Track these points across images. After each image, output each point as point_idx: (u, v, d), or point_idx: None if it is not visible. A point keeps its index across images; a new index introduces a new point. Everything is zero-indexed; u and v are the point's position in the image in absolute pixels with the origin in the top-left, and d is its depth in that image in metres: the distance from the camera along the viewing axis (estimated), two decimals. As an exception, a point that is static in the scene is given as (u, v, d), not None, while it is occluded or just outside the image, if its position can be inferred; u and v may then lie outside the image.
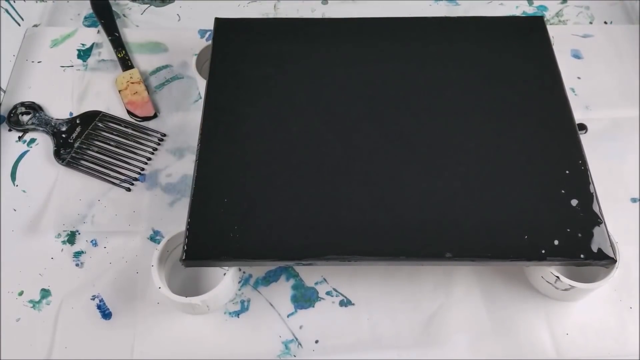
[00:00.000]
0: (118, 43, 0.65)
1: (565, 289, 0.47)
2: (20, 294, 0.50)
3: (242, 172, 0.49)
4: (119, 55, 0.64)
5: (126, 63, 0.64)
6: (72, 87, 0.63)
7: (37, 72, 0.64)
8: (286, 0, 0.71)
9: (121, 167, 0.57)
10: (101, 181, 0.56)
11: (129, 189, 0.56)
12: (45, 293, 0.50)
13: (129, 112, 0.60)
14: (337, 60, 0.56)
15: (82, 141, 0.58)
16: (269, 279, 0.51)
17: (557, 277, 0.46)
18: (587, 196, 0.47)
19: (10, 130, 0.60)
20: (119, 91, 0.62)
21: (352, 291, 0.50)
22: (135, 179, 0.56)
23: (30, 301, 0.50)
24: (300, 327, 0.49)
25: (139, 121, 0.60)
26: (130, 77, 0.62)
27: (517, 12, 0.71)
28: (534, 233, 0.46)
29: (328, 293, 0.50)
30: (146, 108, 0.61)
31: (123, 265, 0.51)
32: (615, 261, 0.46)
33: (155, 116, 0.61)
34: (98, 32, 0.67)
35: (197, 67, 0.59)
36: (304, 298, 0.50)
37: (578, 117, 0.54)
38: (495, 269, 0.51)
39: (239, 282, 0.51)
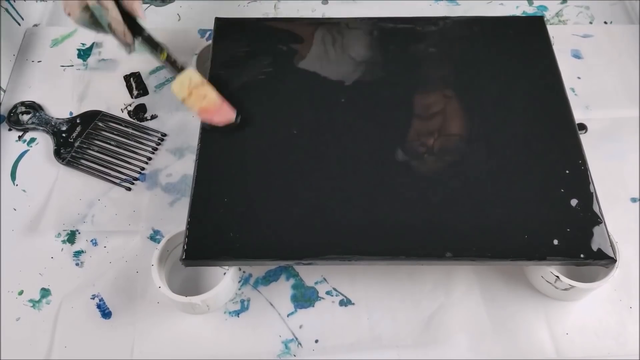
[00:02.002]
0: (151, 42, 0.53)
1: (565, 289, 0.47)
2: (20, 293, 0.50)
3: (242, 172, 0.49)
4: (162, 57, 0.52)
5: (175, 65, 0.52)
6: (72, 87, 0.63)
7: (37, 72, 0.64)
8: (286, 0, 0.71)
9: (121, 166, 0.57)
10: (101, 181, 0.56)
11: (129, 189, 0.56)
12: (45, 292, 0.50)
13: (206, 124, 0.51)
14: (337, 60, 0.56)
15: (82, 141, 0.58)
16: (269, 279, 0.51)
17: (557, 276, 0.46)
18: (587, 196, 0.47)
19: (10, 129, 0.60)
20: (182, 101, 0.51)
21: (352, 291, 0.50)
22: (136, 179, 0.56)
23: (30, 301, 0.50)
24: (300, 327, 0.49)
25: (217, 128, 0.51)
26: (190, 80, 0.51)
27: (517, 12, 0.71)
28: (534, 233, 0.46)
29: (328, 293, 0.50)
30: (224, 112, 0.51)
31: (123, 264, 0.51)
32: (615, 261, 0.46)
33: (238, 119, 0.51)
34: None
35: (197, 67, 0.60)
36: (304, 298, 0.50)
37: (578, 117, 0.54)
38: (495, 269, 0.51)
39: (239, 282, 0.51)
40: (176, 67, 0.52)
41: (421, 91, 0.54)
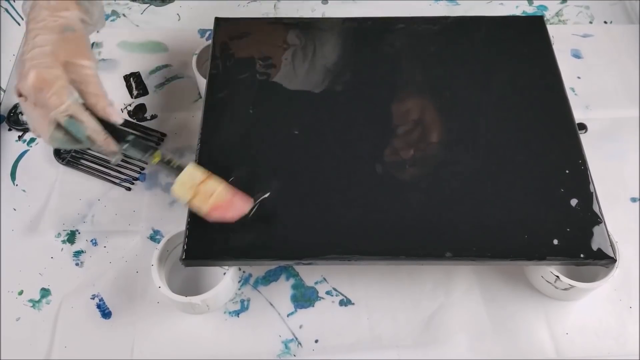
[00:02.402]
0: (142, 145, 0.47)
1: (565, 289, 0.47)
2: (20, 293, 0.50)
3: (242, 172, 0.49)
4: (155, 160, 0.46)
5: (171, 165, 0.47)
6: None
7: (37, 72, 0.64)
8: (286, 0, 0.71)
9: (121, 166, 0.57)
10: (101, 181, 0.56)
11: (129, 189, 0.56)
12: (45, 292, 0.50)
13: (217, 221, 0.45)
14: (337, 60, 0.56)
15: (82, 141, 0.58)
16: (268, 279, 0.51)
17: (557, 276, 0.46)
18: (587, 196, 0.47)
19: (10, 129, 0.60)
20: (187, 204, 0.46)
21: (352, 291, 0.50)
22: (136, 179, 0.56)
23: (30, 300, 0.50)
24: (300, 327, 0.49)
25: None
26: (192, 179, 0.45)
27: (517, 12, 0.71)
28: (533, 233, 0.46)
29: (328, 292, 0.50)
30: (238, 205, 0.46)
31: (123, 264, 0.51)
32: (615, 261, 0.46)
33: (254, 203, 0.47)
34: (97, 31, 0.67)
35: (197, 67, 0.60)
36: (304, 297, 0.50)
37: (578, 117, 0.54)
38: (495, 269, 0.51)
39: (239, 282, 0.51)
40: (173, 168, 0.46)
41: (420, 90, 0.54)
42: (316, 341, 0.48)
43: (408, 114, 0.52)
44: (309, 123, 0.52)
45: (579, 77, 0.64)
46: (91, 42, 0.66)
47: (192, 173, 0.45)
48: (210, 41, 0.58)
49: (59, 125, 0.44)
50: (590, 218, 0.46)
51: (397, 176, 0.49)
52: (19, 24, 0.66)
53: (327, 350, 0.48)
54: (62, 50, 0.44)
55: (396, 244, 0.46)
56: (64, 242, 0.53)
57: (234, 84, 0.54)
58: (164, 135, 0.59)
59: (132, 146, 0.47)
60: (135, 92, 0.63)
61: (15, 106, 0.60)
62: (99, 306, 0.49)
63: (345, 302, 0.50)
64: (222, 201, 0.45)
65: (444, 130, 0.51)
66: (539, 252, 0.45)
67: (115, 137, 0.46)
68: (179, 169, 0.46)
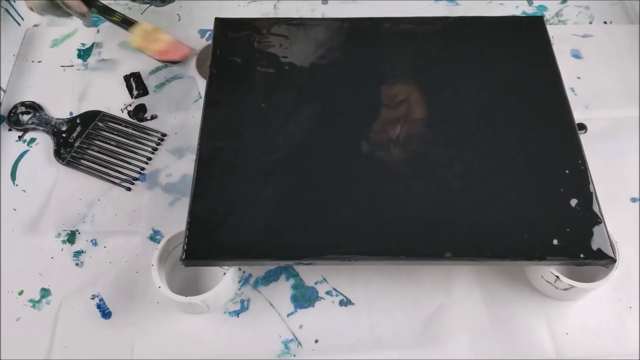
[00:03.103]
0: (105, 9, 0.61)
1: (565, 289, 0.47)
2: (20, 293, 0.50)
3: (242, 172, 0.49)
4: (116, 18, 0.61)
5: (128, 21, 0.61)
6: (72, 87, 0.63)
7: (37, 72, 0.64)
8: (286, 0, 0.71)
9: (121, 166, 0.57)
10: (101, 181, 0.56)
11: (129, 189, 0.56)
12: (45, 292, 0.50)
13: (166, 62, 0.58)
14: (337, 60, 0.56)
15: (82, 141, 0.58)
16: (269, 279, 0.51)
17: (557, 276, 0.46)
18: (587, 196, 0.47)
19: (10, 129, 0.60)
20: (139, 50, 0.59)
21: (352, 291, 0.50)
22: (136, 179, 0.56)
23: (30, 300, 0.50)
24: (300, 327, 0.49)
25: (170, 64, 0.59)
26: (144, 30, 0.60)
27: (517, 12, 0.71)
28: (533, 233, 0.46)
29: (328, 293, 0.50)
30: (180, 49, 0.57)
31: (123, 264, 0.51)
32: (615, 261, 0.46)
33: (194, 53, 0.59)
34: (98, 31, 0.67)
35: (197, 67, 0.60)
36: (304, 298, 0.50)
37: (578, 117, 0.54)
38: (495, 269, 0.51)
39: (239, 282, 0.51)
40: (130, 23, 0.60)
41: (420, 91, 0.54)
42: (316, 341, 0.48)
43: (408, 112, 0.52)
44: (309, 123, 0.52)
45: (578, 77, 0.64)
46: (92, 42, 0.66)
47: (144, 26, 0.59)
48: (210, 41, 0.58)
49: None
50: (590, 218, 0.46)
51: (397, 176, 0.49)
52: (19, 24, 0.66)
53: (327, 350, 0.48)
54: None
55: (396, 244, 0.46)
56: (64, 242, 0.53)
57: (233, 84, 0.54)
58: (164, 135, 0.59)
59: (99, 10, 0.60)
60: (135, 92, 0.63)
61: (16, 106, 0.60)
62: (99, 306, 0.49)
63: (345, 302, 0.50)
64: (167, 45, 0.57)
65: (444, 130, 0.51)
66: (539, 252, 0.45)
67: (87, 4, 0.58)
68: (135, 23, 0.59)
